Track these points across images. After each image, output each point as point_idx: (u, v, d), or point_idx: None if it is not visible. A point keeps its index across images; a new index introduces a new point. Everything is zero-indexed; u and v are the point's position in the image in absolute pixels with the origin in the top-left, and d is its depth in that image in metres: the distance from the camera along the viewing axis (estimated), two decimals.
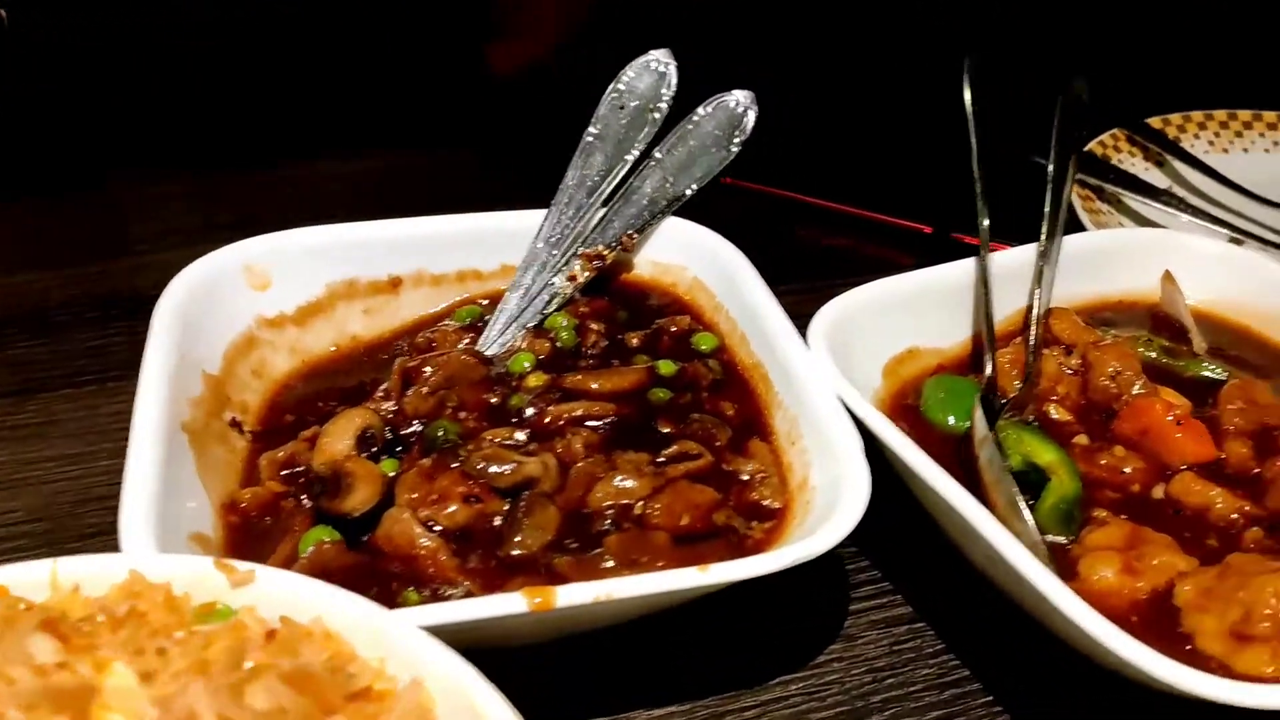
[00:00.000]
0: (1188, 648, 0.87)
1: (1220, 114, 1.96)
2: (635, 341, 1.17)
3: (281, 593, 0.72)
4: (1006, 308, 1.22)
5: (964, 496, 0.91)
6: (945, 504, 0.91)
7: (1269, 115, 1.97)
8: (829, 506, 0.90)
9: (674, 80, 1.31)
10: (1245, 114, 1.97)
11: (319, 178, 1.75)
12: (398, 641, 0.69)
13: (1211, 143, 1.93)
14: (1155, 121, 1.89)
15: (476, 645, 0.84)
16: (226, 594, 0.72)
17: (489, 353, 1.16)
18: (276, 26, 2.05)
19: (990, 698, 0.97)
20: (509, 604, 0.79)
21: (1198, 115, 1.95)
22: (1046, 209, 1.24)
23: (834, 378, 1.02)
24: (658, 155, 1.27)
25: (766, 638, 1.02)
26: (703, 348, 1.15)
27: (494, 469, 0.95)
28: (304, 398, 1.12)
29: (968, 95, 1.30)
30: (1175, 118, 1.93)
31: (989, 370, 1.11)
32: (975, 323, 1.21)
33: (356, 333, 1.21)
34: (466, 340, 1.17)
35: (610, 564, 0.89)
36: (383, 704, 0.65)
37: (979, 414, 1.02)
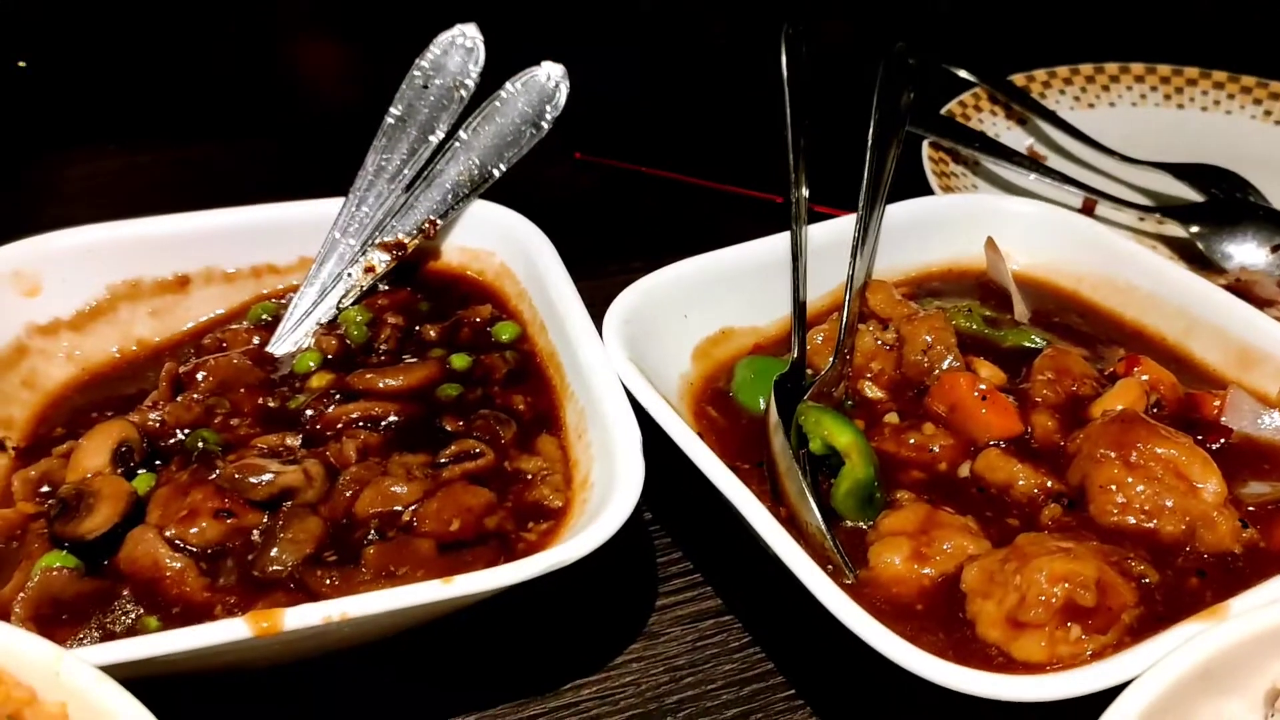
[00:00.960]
0: (970, 635, 0.83)
1: (1086, 68, 1.93)
2: (433, 334, 1.11)
3: None
4: (829, 282, 1.18)
5: (739, 490, 0.87)
6: (724, 499, 0.87)
7: (1136, 67, 1.95)
8: (599, 507, 0.86)
9: (482, 56, 1.25)
10: (1112, 67, 1.95)
11: (101, 174, 1.65)
12: (77, 686, 0.64)
13: (1077, 98, 1.90)
14: (1018, 79, 1.86)
15: (240, 667, 0.80)
16: None
17: (280, 351, 1.10)
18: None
19: (791, 691, 0.94)
20: (229, 630, 0.73)
21: (1063, 70, 1.92)
22: (864, 178, 1.19)
23: (622, 367, 0.97)
24: (463, 136, 1.21)
25: (566, 639, 0.97)
26: (503, 337, 1.10)
27: (249, 480, 0.89)
28: (80, 409, 1.06)
29: (784, 63, 1.25)
30: (1040, 74, 1.90)
31: (794, 351, 1.07)
32: (789, 301, 1.17)
33: (143, 336, 1.14)
34: (257, 341, 1.11)
35: (368, 577, 0.84)
36: None
37: (773, 399, 0.97)
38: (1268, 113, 1.84)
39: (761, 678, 0.95)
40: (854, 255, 1.15)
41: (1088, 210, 1.51)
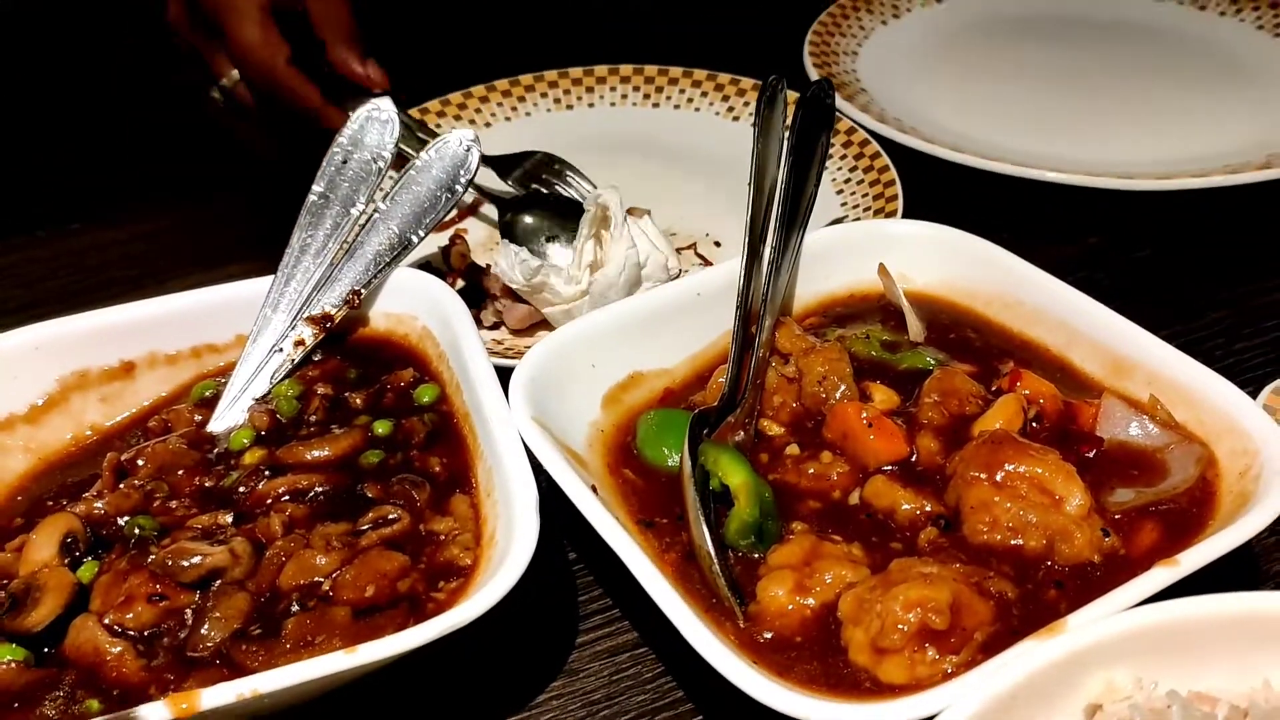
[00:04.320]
0: (844, 662, 0.89)
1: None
2: (359, 401, 1.18)
3: None
4: (722, 324, 1.23)
5: (623, 542, 0.94)
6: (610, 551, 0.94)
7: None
8: (499, 563, 0.93)
9: (397, 128, 1.32)
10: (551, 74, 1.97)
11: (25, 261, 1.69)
12: None
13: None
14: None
15: None
16: None
17: (218, 430, 1.18)
18: None
19: (700, 718, 1.00)
20: (153, 714, 0.81)
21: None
22: (747, 217, 1.25)
23: (524, 425, 1.04)
24: (382, 206, 1.29)
25: (488, 682, 1.05)
26: (424, 400, 1.17)
27: (180, 563, 0.97)
28: (37, 498, 1.14)
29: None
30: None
31: (727, 386, 1.13)
32: (698, 340, 1.23)
33: (95, 421, 1.22)
34: (199, 419, 1.19)
35: (288, 647, 0.91)
36: None
37: (684, 449, 1.03)
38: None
39: (671, 706, 1.02)
40: (768, 288, 1.21)
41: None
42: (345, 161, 1.31)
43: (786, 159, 1.31)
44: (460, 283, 1.48)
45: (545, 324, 1.44)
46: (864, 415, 1.08)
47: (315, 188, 1.30)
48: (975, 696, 0.73)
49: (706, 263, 1.52)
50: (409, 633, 0.86)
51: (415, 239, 1.28)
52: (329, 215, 1.29)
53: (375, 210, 1.29)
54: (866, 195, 1.60)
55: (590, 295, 1.37)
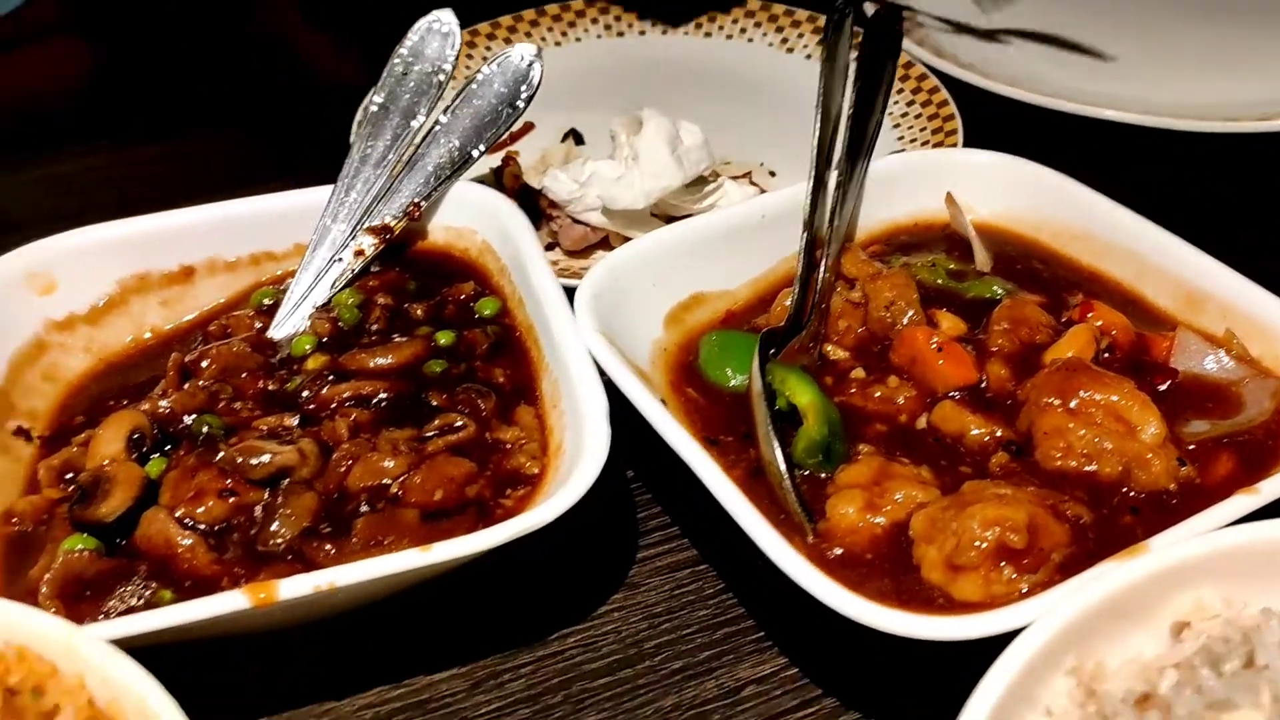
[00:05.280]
0: (917, 579, 0.89)
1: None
2: (420, 312, 1.17)
3: None
4: (790, 246, 1.22)
5: (697, 454, 0.93)
6: (683, 463, 0.94)
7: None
8: (569, 472, 0.93)
9: (458, 40, 1.30)
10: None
11: (89, 171, 1.70)
12: (91, 659, 0.72)
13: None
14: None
15: (243, 633, 0.88)
16: None
17: (280, 335, 1.17)
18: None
19: (761, 634, 1.01)
20: (228, 602, 0.81)
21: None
22: (815, 136, 1.23)
23: (591, 339, 1.03)
24: (443, 119, 1.27)
25: (553, 591, 1.05)
26: (485, 313, 1.17)
27: (249, 461, 0.97)
28: (98, 397, 1.14)
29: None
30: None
31: (792, 306, 1.12)
32: (761, 263, 1.22)
33: (155, 325, 1.21)
34: (259, 325, 1.18)
35: (358, 546, 0.91)
36: None
37: (755, 368, 1.03)
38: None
39: (733, 621, 1.02)
40: (834, 213, 1.20)
41: None
42: (405, 73, 1.29)
43: (853, 85, 1.29)
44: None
45: (602, 245, 1.43)
46: (934, 340, 1.07)
47: (375, 98, 1.28)
48: (1061, 612, 0.73)
49: (762, 191, 1.51)
50: (484, 533, 0.86)
51: (476, 153, 1.27)
52: (389, 126, 1.27)
53: (436, 123, 1.27)
54: (925, 129, 1.58)
55: (640, 172, 1.35)
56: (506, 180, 1.49)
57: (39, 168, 1.70)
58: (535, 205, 1.45)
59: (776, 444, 0.96)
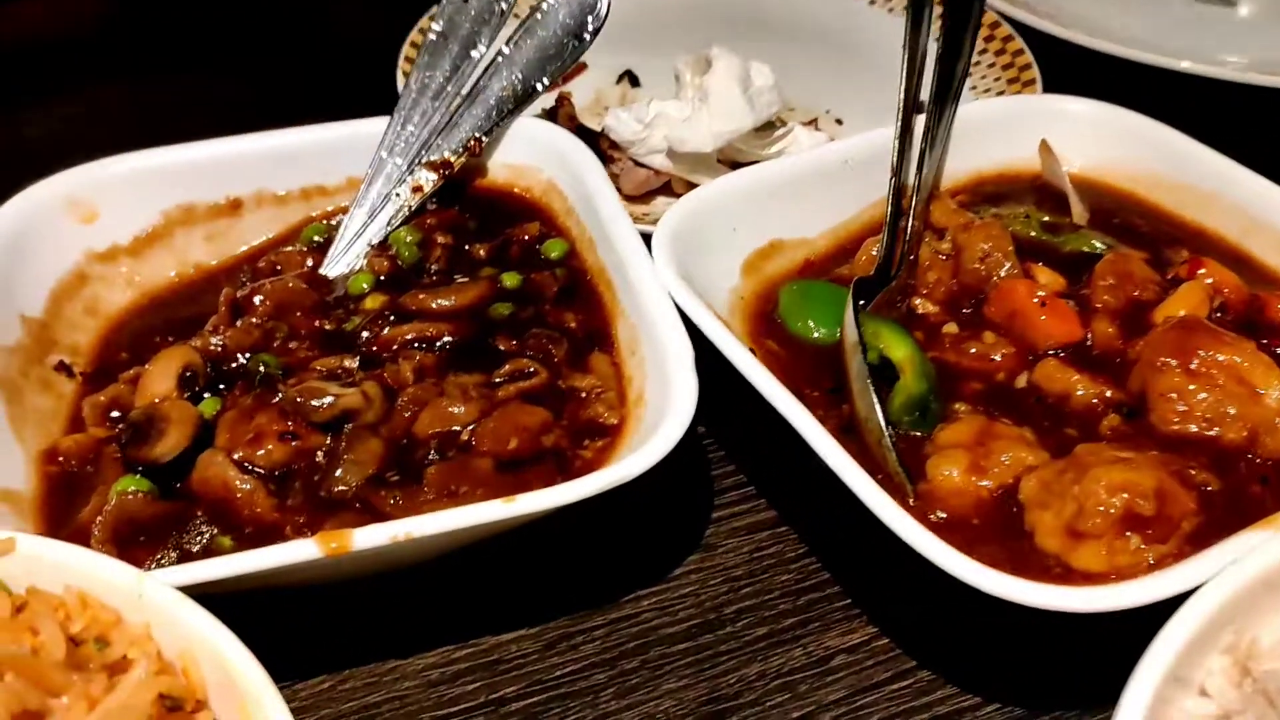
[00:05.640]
0: (1029, 546, 0.83)
1: None
2: (483, 253, 1.11)
3: (43, 561, 0.69)
4: (872, 193, 1.16)
5: (799, 412, 0.87)
6: (781, 416, 0.87)
7: None
8: (655, 423, 0.86)
9: None
10: None
11: (137, 99, 1.63)
12: (158, 606, 0.66)
13: None
14: None
15: (306, 583, 0.82)
16: None
17: (333, 274, 1.11)
18: None
19: (848, 601, 0.95)
20: (300, 551, 0.76)
21: None
22: (902, 82, 1.16)
23: (673, 284, 0.97)
24: (505, 50, 1.20)
25: (624, 552, 0.99)
26: (552, 255, 1.10)
27: (311, 403, 0.90)
28: (141, 332, 1.08)
29: None
30: None
31: (881, 254, 1.05)
32: (842, 211, 1.15)
33: (199, 259, 1.15)
34: (310, 263, 1.12)
35: (430, 496, 0.86)
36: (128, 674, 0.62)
37: (849, 317, 0.96)
38: None
39: (818, 588, 0.96)
40: (922, 159, 1.13)
41: None
42: (466, 0, 1.22)
43: (941, 26, 1.21)
44: None
45: (663, 190, 1.36)
46: (1037, 294, 1.00)
47: (434, 26, 1.21)
48: (1221, 586, 0.67)
49: (831, 139, 1.43)
50: (573, 484, 0.80)
51: (539, 87, 1.20)
52: (448, 56, 1.20)
53: (498, 54, 1.20)
54: (999, 79, 1.50)
55: (710, 112, 1.28)
56: (561, 120, 1.42)
57: (65, 104, 1.63)
58: (594, 147, 1.38)
59: (875, 398, 0.89)
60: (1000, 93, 1.47)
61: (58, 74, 1.69)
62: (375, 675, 0.89)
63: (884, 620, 0.93)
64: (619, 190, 1.35)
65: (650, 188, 1.35)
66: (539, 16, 1.21)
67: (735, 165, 1.35)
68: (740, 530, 1.01)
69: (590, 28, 1.21)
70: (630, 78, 1.59)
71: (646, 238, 1.02)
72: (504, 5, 1.22)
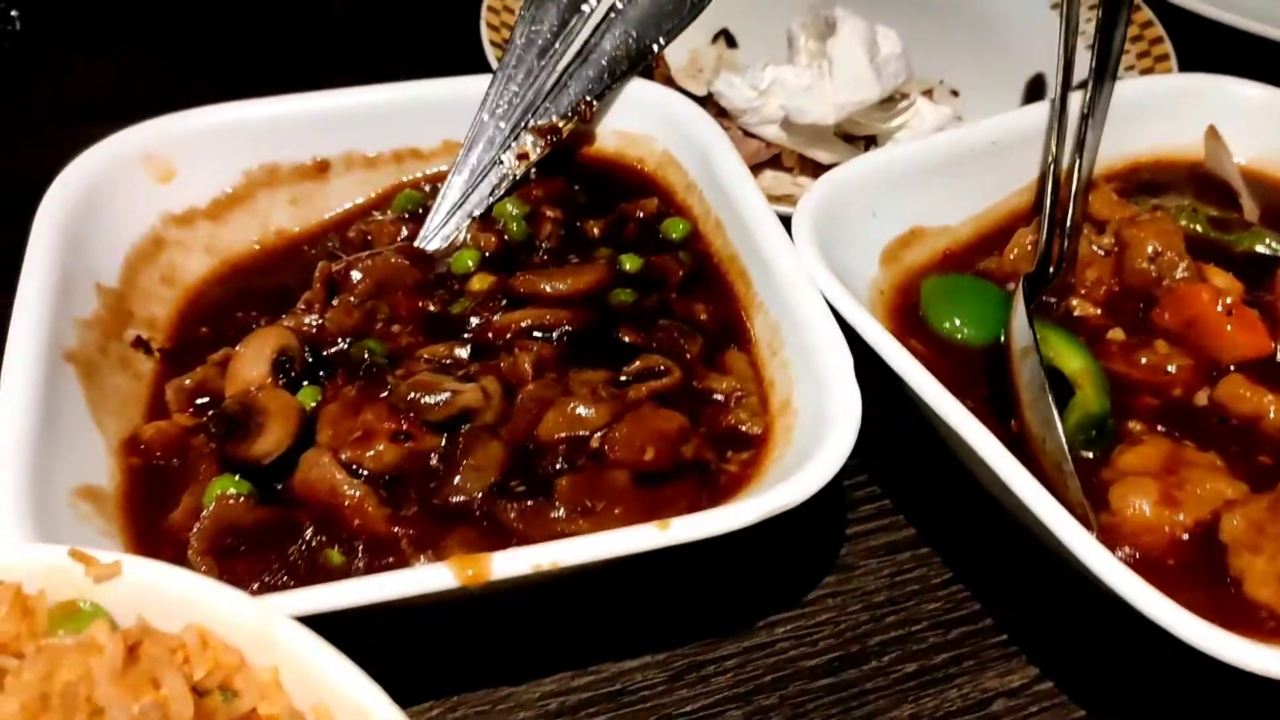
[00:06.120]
0: (1235, 594, 0.74)
1: None
2: (596, 231, 1.01)
3: (152, 591, 0.60)
4: (1021, 178, 1.06)
5: (976, 428, 0.77)
6: (954, 433, 0.78)
7: None
8: (812, 438, 0.77)
9: None
10: None
11: (224, 46, 1.51)
12: (290, 648, 0.58)
13: None
14: None
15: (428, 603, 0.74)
16: (89, 589, 0.60)
17: (430, 247, 1.01)
18: None
19: (1004, 636, 0.86)
20: (434, 578, 0.67)
21: None
22: (1060, 52, 1.05)
23: (823, 278, 0.87)
24: (619, 5, 1.09)
25: (753, 572, 0.90)
26: (673, 236, 1.00)
27: (425, 399, 0.81)
28: (222, 305, 0.98)
29: None
30: None
31: (1040, 246, 0.95)
32: (986, 196, 1.05)
33: (282, 225, 1.05)
34: (404, 234, 1.02)
35: (562, 512, 0.77)
36: None
37: (1020, 318, 0.86)
38: None
39: (970, 619, 0.87)
40: (1080, 142, 1.02)
41: None
42: None
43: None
44: None
45: (771, 164, 1.26)
46: (1223, 302, 0.90)
47: None
48: None
49: (955, 115, 1.32)
50: (734, 509, 0.71)
51: (655, 47, 1.09)
52: (555, 8, 1.09)
53: (611, 9, 1.09)
54: (1126, 53, 1.38)
55: (834, 81, 1.17)
56: (657, 82, 1.31)
57: (118, 57, 1.52)
58: None
59: (1057, 417, 0.80)
60: (1129, 66, 1.36)
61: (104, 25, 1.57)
62: (489, 703, 0.81)
63: (1046, 661, 0.84)
64: None
65: (760, 160, 1.25)
66: None
67: (852, 139, 1.25)
68: (879, 549, 0.92)
69: None
70: (727, 37, 1.48)
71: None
72: None
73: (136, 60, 1.48)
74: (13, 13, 1.46)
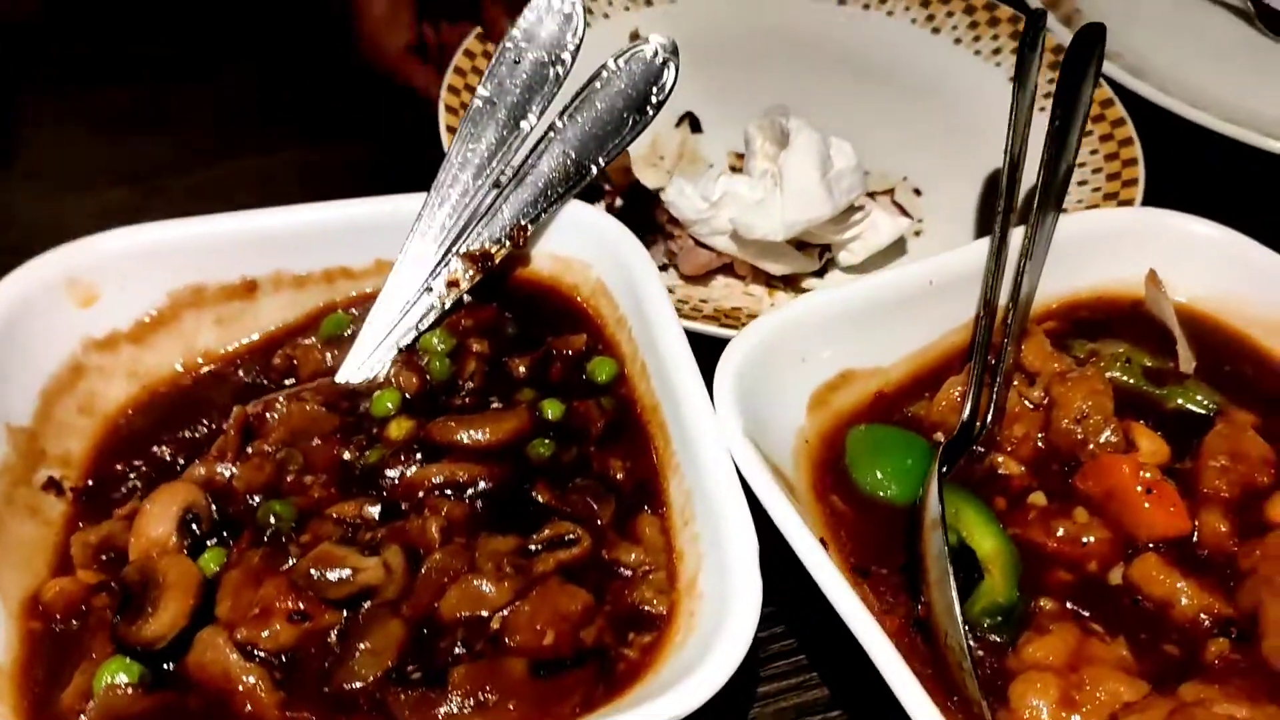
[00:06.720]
0: None
1: None
2: (522, 369, 1.00)
3: None
4: (957, 317, 1.04)
5: (864, 622, 0.77)
6: (846, 626, 0.78)
7: None
8: (714, 625, 0.77)
9: (581, 26, 1.09)
10: None
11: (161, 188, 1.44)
12: None
13: None
14: None
15: None
16: None
17: (355, 379, 1.00)
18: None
19: None
20: None
21: None
22: (1002, 190, 1.04)
23: (739, 449, 0.86)
24: (559, 124, 1.07)
25: None
26: (599, 378, 0.99)
27: (327, 576, 0.81)
28: (140, 437, 0.97)
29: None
30: None
31: (965, 411, 0.94)
32: (921, 336, 1.04)
33: (208, 347, 1.04)
34: (330, 358, 1.01)
35: (454, 705, 0.76)
36: None
37: (933, 488, 0.85)
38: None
39: None
40: (1018, 282, 1.01)
41: None
42: (518, 61, 1.09)
43: (1050, 119, 1.08)
44: (619, 201, 1.27)
45: (725, 270, 1.24)
46: (1142, 475, 0.89)
47: (481, 91, 1.08)
48: None
49: (904, 212, 1.30)
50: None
51: (594, 168, 1.07)
52: (493, 126, 1.07)
53: (550, 128, 1.07)
54: (1099, 172, 1.34)
55: (784, 198, 1.16)
56: (614, 176, 1.29)
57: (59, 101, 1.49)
58: (649, 210, 1.26)
59: (960, 614, 0.79)
60: (1096, 189, 1.32)
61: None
62: None
63: None
64: (677, 270, 1.24)
65: (710, 268, 1.24)
66: (597, 85, 1.08)
67: (803, 245, 1.23)
68: (788, 712, 0.92)
69: (655, 100, 1.09)
70: (692, 121, 1.46)
71: (699, 337, 0.91)
72: (558, 70, 1.09)
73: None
74: None
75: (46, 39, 1.63)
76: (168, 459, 0.95)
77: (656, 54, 1.09)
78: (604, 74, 1.08)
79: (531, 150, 1.07)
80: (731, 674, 0.73)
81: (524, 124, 1.07)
